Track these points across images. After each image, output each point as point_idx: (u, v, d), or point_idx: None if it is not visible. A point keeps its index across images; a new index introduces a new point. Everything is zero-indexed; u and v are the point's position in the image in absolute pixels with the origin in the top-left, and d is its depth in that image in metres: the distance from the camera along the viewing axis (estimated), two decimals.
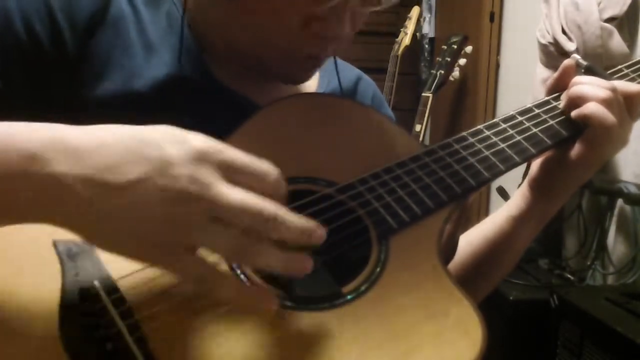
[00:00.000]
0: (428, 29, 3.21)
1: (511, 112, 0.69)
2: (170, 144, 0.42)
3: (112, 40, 0.62)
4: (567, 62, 0.71)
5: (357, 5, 0.59)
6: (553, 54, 1.94)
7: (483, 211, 2.55)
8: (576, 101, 0.66)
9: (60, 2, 0.61)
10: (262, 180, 0.44)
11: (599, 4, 1.78)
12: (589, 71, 0.71)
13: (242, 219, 0.42)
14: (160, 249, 0.42)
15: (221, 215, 0.41)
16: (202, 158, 0.42)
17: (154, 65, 0.62)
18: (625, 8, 1.76)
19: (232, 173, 0.43)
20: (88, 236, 0.42)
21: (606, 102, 0.64)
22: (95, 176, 0.40)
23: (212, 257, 0.45)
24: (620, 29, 1.77)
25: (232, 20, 0.63)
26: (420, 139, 2.31)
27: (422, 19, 3.03)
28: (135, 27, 0.63)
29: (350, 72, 0.79)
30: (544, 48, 2.00)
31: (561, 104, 0.69)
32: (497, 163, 0.63)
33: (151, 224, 0.41)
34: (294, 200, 0.56)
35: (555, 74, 0.71)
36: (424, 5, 3.21)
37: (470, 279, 0.74)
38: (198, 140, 0.43)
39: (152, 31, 0.64)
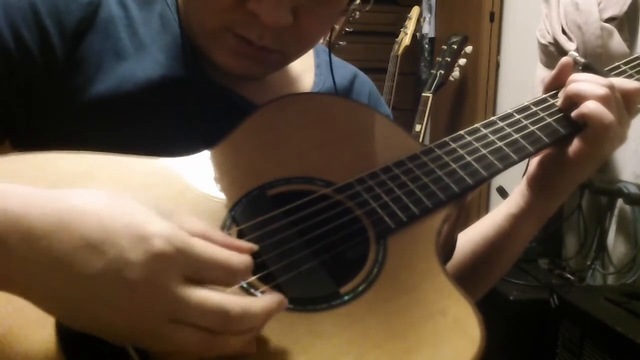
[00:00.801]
0: (428, 29, 3.21)
1: (508, 110, 0.68)
2: (129, 242, 0.40)
3: (103, 43, 0.62)
4: (564, 59, 0.71)
5: None
6: (553, 54, 1.94)
7: (483, 211, 2.55)
8: (574, 99, 0.66)
9: (48, 8, 0.60)
10: (228, 273, 0.43)
11: (599, 4, 1.78)
12: (587, 68, 0.71)
13: (204, 320, 0.41)
14: (120, 333, 0.41)
15: (181, 318, 0.40)
16: (161, 260, 0.40)
17: (147, 66, 0.62)
18: (625, 8, 1.76)
19: (194, 270, 0.41)
20: (47, 311, 0.41)
21: (604, 100, 0.64)
22: (56, 265, 0.39)
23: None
24: (620, 29, 1.77)
25: (188, 5, 0.63)
26: (420, 139, 2.30)
27: (422, 19, 3.02)
28: (127, 29, 0.63)
29: (346, 70, 0.79)
30: (544, 48, 2.00)
31: (559, 101, 0.68)
32: (495, 162, 0.63)
33: (110, 316, 0.39)
34: (292, 200, 0.55)
35: (553, 72, 0.71)
36: (424, 5, 3.21)
37: (469, 278, 0.74)
38: (159, 240, 0.40)
39: (144, 32, 0.64)
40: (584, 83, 0.66)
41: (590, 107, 0.64)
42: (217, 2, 0.58)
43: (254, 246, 0.47)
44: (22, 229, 0.39)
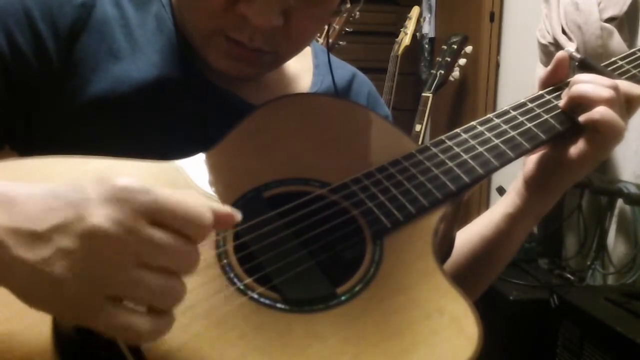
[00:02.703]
0: (428, 29, 3.20)
1: (505, 107, 0.68)
2: (93, 185, 0.40)
3: (98, 44, 0.62)
4: (560, 54, 0.70)
5: None
6: (553, 54, 1.93)
7: (483, 210, 2.53)
8: (578, 100, 0.66)
9: (41, 11, 0.60)
10: (189, 224, 0.41)
11: (599, 4, 1.78)
12: (583, 64, 0.71)
13: (163, 259, 0.40)
14: (82, 303, 0.39)
15: (140, 255, 0.39)
16: (123, 196, 0.39)
17: (142, 67, 0.62)
18: (625, 8, 1.76)
19: (158, 213, 0.40)
20: (22, 296, 0.40)
21: (610, 103, 0.64)
22: (23, 226, 0.39)
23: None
24: (620, 29, 1.77)
25: (182, 8, 0.63)
26: (421, 139, 2.30)
27: (422, 19, 3.02)
28: (122, 29, 0.63)
29: (344, 70, 0.78)
30: (544, 48, 2.00)
31: (561, 102, 0.68)
32: (491, 159, 0.62)
33: (71, 271, 0.38)
34: (288, 202, 0.55)
35: (549, 67, 0.71)
36: (424, 5, 3.21)
37: (468, 277, 0.73)
38: (122, 180, 0.40)
39: (140, 33, 0.64)
40: (588, 85, 0.66)
41: (602, 113, 0.63)
42: (208, 6, 0.58)
43: (236, 214, 0.45)
44: (3, 199, 0.39)
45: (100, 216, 0.39)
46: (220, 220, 0.43)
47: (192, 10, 0.61)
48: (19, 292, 0.40)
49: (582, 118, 0.65)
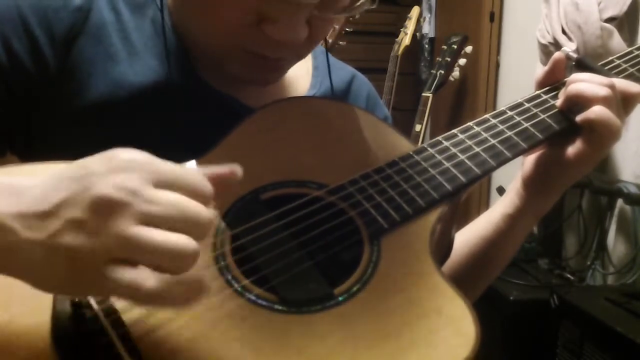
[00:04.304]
0: (428, 29, 3.21)
1: (502, 108, 0.68)
2: (96, 161, 0.41)
3: (95, 48, 0.62)
4: (557, 54, 0.70)
5: (314, 10, 0.56)
6: (553, 53, 1.94)
7: (483, 211, 2.54)
8: (574, 99, 0.66)
9: (37, 17, 0.60)
10: (192, 193, 0.42)
11: (599, 4, 1.78)
12: (580, 64, 0.71)
13: (172, 222, 0.40)
14: (93, 270, 0.39)
15: (149, 216, 0.39)
16: (127, 167, 0.40)
17: (140, 71, 0.62)
18: (625, 8, 1.76)
19: (162, 182, 0.41)
20: (31, 280, 0.41)
21: (607, 102, 0.64)
22: (29, 209, 0.40)
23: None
24: (620, 29, 1.77)
25: (192, 19, 0.63)
26: (421, 139, 2.30)
27: (422, 19, 3.02)
28: (119, 34, 0.63)
29: (343, 71, 0.78)
30: (544, 48, 2.00)
31: (558, 102, 0.68)
32: (488, 159, 0.62)
33: (80, 240, 0.39)
34: (286, 204, 0.55)
35: (546, 67, 0.71)
36: (424, 5, 3.21)
37: (467, 277, 0.73)
38: (126, 152, 0.42)
39: (136, 37, 0.64)
40: (584, 83, 0.66)
41: (598, 112, 0.63)
42: (230, 25, 0.57)
43: (234, 168, 0.45)
44: (8, 187, 0.41)
45: (106, 185, 0.39)
46: (224, 178, 0.45)
47: (209, 28, 0.60)
48: (31, 276, 0.40)
49: (578, 118, 0.65)
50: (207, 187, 0.43)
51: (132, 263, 0.39)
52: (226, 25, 0.58)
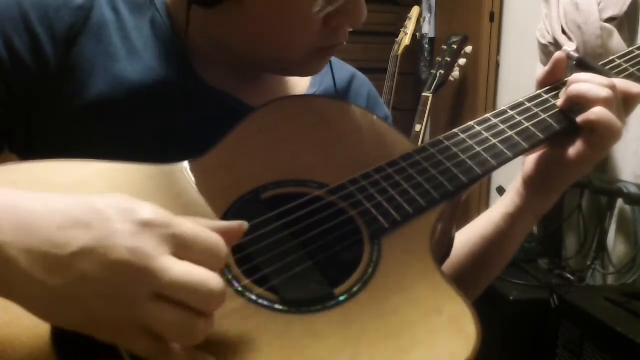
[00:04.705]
0: (428, 29, 3.21)
1: (502, 108, 0.68)
2: (117, 214, 0.40)
3: (95, 47, 0.62)
4: (557, 54, 0.70)
5: None
6: (553, 53, 1.93)
7: (483, 211, 2.54)
8: (575, 100, 0.66)
9: (39, 15, 0.61)
10: (209, 255, 0.42)
11: (599, 4, 1.78)
12: (581, 63, 0.71)
13: (186, 294, 0.40)
14: (107, 326, 0.40)
15: (163, 289, 0.39)
16: (147, 229, 0.40)
17: (139, 70, 0.62)
18: (625, 8, 1.76)
19: (179, 246, 0.41)
20: (38, 314, 0.40)
21: (608, 103, 0.64)
22: (40, 248, 0.38)
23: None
24: (620, 29, 1.77)
25: (232, 28, 0.62)
26: (421, 139, 2.30)
27: (422, 19, 3.02)
28: (119, 33, 0.63)
29: (344, 70, 0.78)
30: (544, 48, 2.00)
31: (559, 101, 0.68)
32: (489, 159, 0.62)
33: (95, 299, 0.39)
34: (286, 203, 0.55)
35: (547, 67, 0.71)
36: (424, 5, 3.21)
37: (467, 277, 0.74)
38: (146, 212, 0.41)
39: (136, 37, 0.64)
40: (585, 84, 0.66)
41: (598, 113, 0.63)
42: (305, 35, 0.61)
43: (243, 224, 0.47)
44: (19, 218, 0.39)
45: (124, 248, 0.39)
46: (231, 236, 0.46)
47: (284, 42, 0.62)
48: (35, 310, 0.40)
49: (579, 119, 0.65)
50: (223, 248, 0.43)
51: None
52: (302, 38, 0.61)
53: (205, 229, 0.43)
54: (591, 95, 0.64)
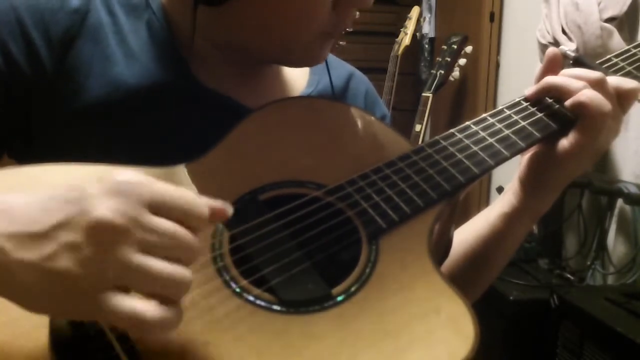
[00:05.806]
0: (428, 29, 3.21)
1: (499, 107, 0.68)
2: (92, 182, 0.41)
3: (92, 50, 0.62)
4: (550, 50, 0.69)
5: None
6: None
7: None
8: (555, 93, 0.66)
9: (34, 19, 0.61)
10: (187, 214, 0.42)
11: (599, 4, 1.78)
12: (578, 62, 0.70)
13: (168, 245, 0.40)
14: (92, 295, 0.39)
15: (146, 243, 0.40)
16: (123, 190, 0.40)
17: (137, 73, 0.62)
18: (625, 8, 1.76)
19: (158, 203, 0.41)
20: (20, 298, 0.40)
21: (597, 86, 0.63)
22: (22, 230, 0.39)
23: None
24: (620, 29, 1.77)
25: (240, 21, 0.62)
26: (421, 139, 2.30)
27: (422, 19, 3.02)
28: (115, 36, 0.63)
29: (341, 69, 0.78)
30: (544, 48, 2.00)
31: (528, 90, 0.68)
32: (486, 158, 0.62)
33: (79, 266, 0.39)
34: (284, 204, 0.55)
35: (542, 65, 0.70)
36: (424, 5, 3.21)
37: (466, 277, 0.73)
38: (122, 175, 0.41)
39: (132, 40, 0.64)
40: (561, 76, 0.66)
41: (588, 94, 0.63)
42: (315, 20, 0.61)
43: (227, 205, 0.46)
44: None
45: (103, 208, 0.39)
46: (214, 213, 0.45)
47: (291, 29, 0.62)
48: (21, 297, 0.40)
49: (568, 103, 0.65)
50: (202, 208, 0.43)
51: (125, 289, 0.40)
52: (308, 24, 0.61)
53: (184, 189, 0.43)
54: (575, 87, 0.64)
